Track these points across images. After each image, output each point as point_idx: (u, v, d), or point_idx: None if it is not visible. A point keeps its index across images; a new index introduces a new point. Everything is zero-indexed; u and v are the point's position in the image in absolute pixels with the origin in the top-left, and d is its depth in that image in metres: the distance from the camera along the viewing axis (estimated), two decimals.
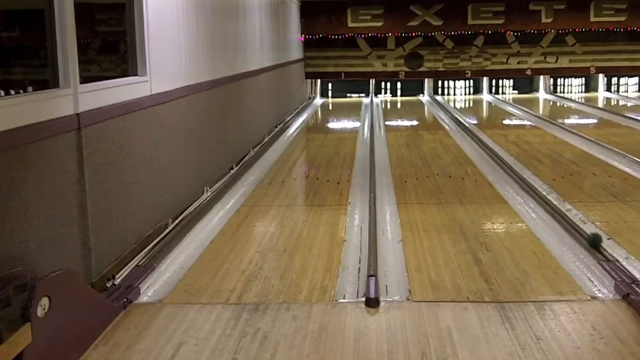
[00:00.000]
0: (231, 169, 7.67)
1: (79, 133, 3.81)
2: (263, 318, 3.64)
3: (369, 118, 12.99)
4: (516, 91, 17.72)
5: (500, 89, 17.77)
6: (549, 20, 16.24)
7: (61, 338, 3.07)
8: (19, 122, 3.25)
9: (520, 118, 13.05)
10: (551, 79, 17.66)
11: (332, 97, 17.72)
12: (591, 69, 16.76)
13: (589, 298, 3.86)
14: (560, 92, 17.67)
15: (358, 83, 17.43)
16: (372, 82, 17.50)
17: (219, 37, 7.29)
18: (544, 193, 6.34)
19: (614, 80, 17.53)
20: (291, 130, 11.65)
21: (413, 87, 17.43)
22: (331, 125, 13.71)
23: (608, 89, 17.52)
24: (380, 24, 16.39)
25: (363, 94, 17.49)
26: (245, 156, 8.49)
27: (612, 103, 15.91)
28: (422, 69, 16.87)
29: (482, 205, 6.10)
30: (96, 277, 3.97)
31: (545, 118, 12.63)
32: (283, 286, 4.14)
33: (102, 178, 4.10)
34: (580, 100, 16.03)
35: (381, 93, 17.58)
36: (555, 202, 5.95)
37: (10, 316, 2.77)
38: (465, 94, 17.60)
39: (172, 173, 5.51)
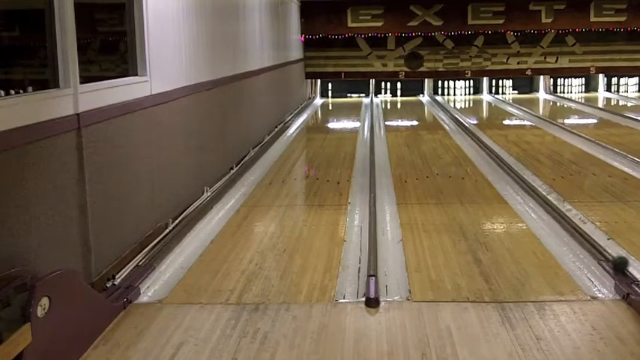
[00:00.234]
0: (232, 169, 7.67)
1: (79, 133, 3.81)
2: (263, 318, 3.64)
3: (369, 118, 12.99)
4: (516, 91, 17.72)
5: (500, 89, 17.77)
6: (549, 20, 16.25)
7: (61, 338, 3.07)
8: (19, 122, 3.25)
9: (520, 118, 13.05)
10: (551, 79, 17.66)
11: (332, 97, 17.72)
12: (591, 69, 16.76)
13: (589, 298, 3.86)
14: (560, 92, 17.67)
15: (358, 83, 17.43)
16: (372, 82, 17.50)
17: (219, 37, 7.29)
18: (544, 193, 6.34)
19: (614, 80, 17.53)
20: (291, 130, 11.65)
21: (413, 87, 17.42)
22: (331, 125, 13.71)
23: (608, 89, 17.52)
24: (380, 24, 16.39)
25: (363, 94, 17.49)
26: (245, 156, 8.50)
27: (612, 103, 15.91)
28: (422, 69, 16.87)
29: (482, 205, 6.10)
30: (96, 277, 3.97)
31: (545, 118, 12.64)
32: (283, 286, 4.14)
33: (102, 178, 4.10)
34: (580, 100, 16.03)
35: (381, 93, 17.58)
36: (555, 202, 5.95)
37: (10, 316, 2.77)
38: (465, 94, 17.60)
39: (172, 173, 5.51)
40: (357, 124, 12.48)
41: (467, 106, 16.25)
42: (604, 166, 7.83)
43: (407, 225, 5.44)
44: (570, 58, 16.73)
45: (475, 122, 12.40)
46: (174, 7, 5.69)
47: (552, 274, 4.25)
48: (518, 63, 16.79)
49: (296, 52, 15.14)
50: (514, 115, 13.62)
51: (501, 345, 3.27)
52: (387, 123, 12.53)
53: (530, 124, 12.16)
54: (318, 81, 17.56)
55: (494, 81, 17.70)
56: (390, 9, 16.31)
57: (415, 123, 13.40)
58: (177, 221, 5.45)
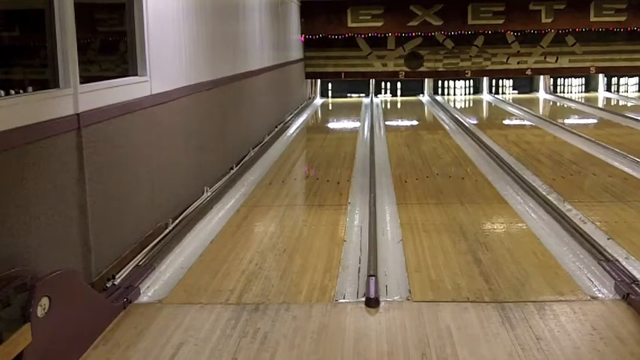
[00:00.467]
0: (231, 169, 7.67)
1: (79, 133, 3.81)
2: (263, 318, 3.64)
3: (369, 118, 12.99)
4: (516, 91, 17.72)
5: (500, 89, 17.77)
6: (549, 20, 16.25)
7: (61, 338, 3.07)
8: (19, 122, 3.25)
9: (520, 118, 13.05)
10: (551, 79, 17.66)
11: (332, 97, 17.72)
12: (591, 69, 16.76)
13: (589, 298, 3.86)
14: (560, 92, 17.68)
15: (358, 83, 17.43)
16: (372, 82, 17.50)
17: (219, 37, 7.29)
18: (544, 193, 6.34)
19: (614, 80, 17.53)
20: (291, 130, 11.65)
21: (413, 87, 17.42)
22: (331, 125, 13.71)
23: (608, 89, 17.52)
24: (380, 24, 16.39)
25: (363, 94, 17.49)
26: (245, 156, 8.50)
27: (612, 103, 15.91)
28: (422, 69, 16.87)
29: (482, 205, 6.10)
30: (96, 277, 3.97)
31: (545, 118, 12.64)
32: (283, 286, 4.14)
33: (102, 178, 4.10)
34: (580, 100, 16.03)
35: (381, 93, 17.58)
36: (555, 202, 5.95)
37: (10, 316, 2.77)
38: (465, 94, 17.60)
39: (172, 173, 5.51)
40: (357, 124, 12.48)
41: (467, 106, 16.25)
42: (604, 166, 7.83)
43: (407, 225, 5.44)
44: (570, 58, 16.73)
45: (475, 122, 12.40)
46: (174, 7, 5.69)
47: (552, 274, 4.25)
48: (518, 63, 16.79)
49: (296, 52, 15.14)
50: (514, 115, 13.62)
51: (501, 345, 3.27)
52: (387, 123, 12.53)
53: (530, 124, 12.16)
54: (318, 81, 17.56)
55: (494, 81, 17.70)
56: (390, 9, 16.31)
57: (415, 123, 13.40)
58: (177, 221, 5.45)
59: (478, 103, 16.39)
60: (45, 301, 2.89)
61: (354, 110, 14.77)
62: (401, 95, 17.49)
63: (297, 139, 10.89)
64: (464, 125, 11.46)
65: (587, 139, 9.50)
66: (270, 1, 11.25)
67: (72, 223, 3.75)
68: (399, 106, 16.36)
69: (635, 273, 4.13)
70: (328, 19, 16.36)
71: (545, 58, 16.74)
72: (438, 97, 16.85)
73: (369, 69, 16.85)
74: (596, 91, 17.52)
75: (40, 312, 2.86)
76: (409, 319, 3.58)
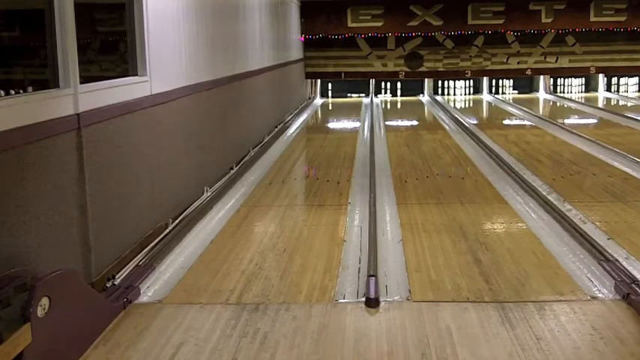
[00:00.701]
0: (231, 169, 7.67)
1: (79, 133, 3.81)
2: (263, 318, 3.64)
3: (369, 118, 12.99)
4: (516, 91, 17.73)
5: (500, 89, 17.77)
6: (549, 20, 16.25)
7: (61, 338, 3.07)
8: (19, 122, 3.25)
9: (520, 118, 13.05)
10: (551, 79, 17.66)
11: (332, 97, 17.72)
12: (591, 69, 16.76)
13: (589, 298, 3.86)
14: (560, 92, 17.68)
15: (358, 83, 17.43)
16: (372, 82, 17.50)
17: (219, 37, 7.29)
18: (544, 193, 6.34)
19: (614, 80, 17.53)
20: (291, 130, 11.65)
21: (413, 87, 17.42)
22: (331, 125, 13.71)
23: (608, 89, 17.53)
24: (380, 24, 16.39)
25: (363, 94, 17.49)
26: (245, 156, 8.50)
27: (612, 103, 15.91)
28: (422, 69, 16.87)
29: (482, 205, 6.10)
30: (96, 277, 3.97)
31: (545, 118, 12.64)
32: (283, 286, 4.14)
33: (102, 178, 4.10)
34: (580, 100, 16.03)
35: (381, 93, 17.58)
36: (555, 202, 5.95)
37: (10, 316, 2.77)
38: (465, 94, 17.60)
39: (172, 173, 5.51)
40: (357, 124, 12.48)
41: (467, 106, 16.25)
42: (604, 166, 7.83)
43: (407, 225, 5.44)
44: (570, 58, 16.73)
45: (475, 122, 12.40)
46: (174, 7, 5.69)
47: (552, 274, 4.25)
48: (518, 63, 16.79)
49: (296, 52, 15.14)
50: (514, 115, 13.62)
51: (501, 345, 3.27)
52: (387, 123, 12.53)
53: (530, 124, 12.16)
54: (318, 81, 17.56)
55: (494, 81, 17.70)
56: (390, 9, 16.31)
57: (415, 123, 13.40)
58: (177, 221, 5.45)
59: (478, 103, 16.40)
60: (45, 301, 2.89)
61: (354, 110, 14.77)
62: (401, 95, 17.49)
63: (297, 139, 10.89)
64: (464, 125, 11.46)
65: (587, 139, 9.50)
66: (270, 1, 11.25)
67: (72, 223, 3.75)
68: (399, 106, 16.36)
69: (635, 273, 4.13)
70: (328, 19, 16.35)
71: (545, 58, 16.74)
72: (438, 97, 16.85)
73: (369, 69, 16.85)
74: (596, 91, 17.53)
75: (40, 312, 2.86)
76: (409, 319, 3.58)
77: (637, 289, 3.82)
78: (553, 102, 16.32)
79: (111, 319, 3.62)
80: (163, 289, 4.14)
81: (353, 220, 5.69)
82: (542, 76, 17.44)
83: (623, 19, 16.14)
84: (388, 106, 15.95)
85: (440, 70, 16.89)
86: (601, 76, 17.36)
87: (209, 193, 6.45)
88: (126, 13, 4.82)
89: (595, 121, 12.93)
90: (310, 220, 5.72)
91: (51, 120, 3.55)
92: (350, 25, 16.41)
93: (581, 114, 14.05)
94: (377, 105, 15.38)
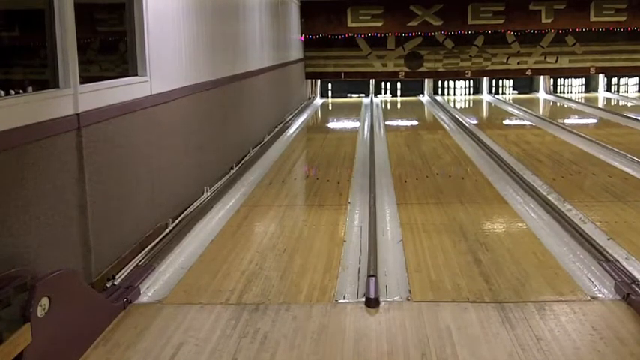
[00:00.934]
0: (231, 169, 7.67)
1: (79, 133, 3.81)
2: (263, 318, 3.64)
3: (369, 118, 12.99)
4: (516, 91, 17.73)
5: (500, 89, 17.77)
6: (549, 20, 16.25)
7: (61, 338, 3.07)
8: (19, 122, 3.25)
9: (520, 118, 13.05)
10: (551, 79, 17.66)
11: (332, 97, 17.72)
12: (591, 69, 16.76)
13: (589, 298, 3.86)
14: (560, 92, 17.68)
15: (358, 83, 17.43)
16: (372, 82, 17.50)
17: (219, 37, 7.29)
18: (544, 193, 6.34)
19: (614, 80, 17.53)
20: (291, 130, 11.65)
21: (413, 87, 17.42)
22: (331, 125, 13.71)
23: (608, 89, 17.52)
24: (380, 24, 16.39)
25: (363, 94, 17.49)
26: (245, 156, 8.50)
27: (612, 103, 15.91)
28: (422, 69, 16.87)
29: (482, 205, 6.10)
30: (96, 277, 3.98)
31: (545, 118, 12.64)
32: (283, 286, 4.14)
33: (102, 178, 4.10)
34: (580, 100, 16.03)
35: (381, 93, 17.58)
36: (555, 202, 5.95)
37: (10, 316, 2.77)
38: (465, 94, 17.60)
39: (172, 173, 5.51)
40: (357, 124, 12.48)
41: (467, 106, 16.25)
42: (604, 166, 7.83)
43: (407, 225, 5.44)
44: (570, 58, 16.73)
45: (475, 122, 12.40)
46: (174, 7, 5.69)
47: (552, 274, 4.25)
48: (518, 63, 16.79)
49: (296, 52, 15.14)
50: (514, 115, 13.62)
51: (501, 345, 3.27)
52: (387, 123, 12.53)
53: (530, 124, 12.16)
54: (318, 81, 17.56)
55: (494, 81, 17.70)
56: (390, 9, 16.31)
57: (415, 123, 13.40)
58: (177, 221, 5.45)
59: (478, 103, 16.39)
60: (45, 301, 2.89)
61: (354, 110, 14.77)
62: (401, 95, 17.49)
63: (297, 139, 10.89)
64: (464, 125, 11.46)
65: (587, 139, 9.50)
66: (270, 1, 11.25)
67: (72, 223, 3.75)
68: (399, 106, 16.36)
69: (635, 273, 4.13)
70: (328, 19, 16.35)
71: (545, 58, 16.74)
72: (438, 97, 16.85)
73: (369, 69, 16.85)
74: (596, 91, 17.52)
75: (40, 312, 2.86)
76: (409, 319, 3.58)
77: (637, 289, 3.82)
78: (553, 102, 16.31)
79: (111, 319, 3.62)
80: (163, 289, 4.14)
81: (353, 220, 5.69)
82: (542, 76, 17.44)
83: (623, 19, 16.14)
84: (388, 106, 15.95)
85: (440, 70, 16.89)
86: (601, 76, 17.36)
87: (209, 193, 6.45)
88: (126, 13, 4.82)
89: (595, 121, 12.93)
90: (310, 220, 5.72)
91: (51, 120, 3.55)
92: (350, 25, 16.41)
93: (581, 114, 14.05)
94: (377, 105, 15.38)
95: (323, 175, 7.70)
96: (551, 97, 17.12)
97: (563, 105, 15.57)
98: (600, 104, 15.45)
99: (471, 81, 17.60)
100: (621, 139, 9.64)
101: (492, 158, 8.23)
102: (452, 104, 15.79)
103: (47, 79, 3.72)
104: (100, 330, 3.47)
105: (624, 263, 4.32)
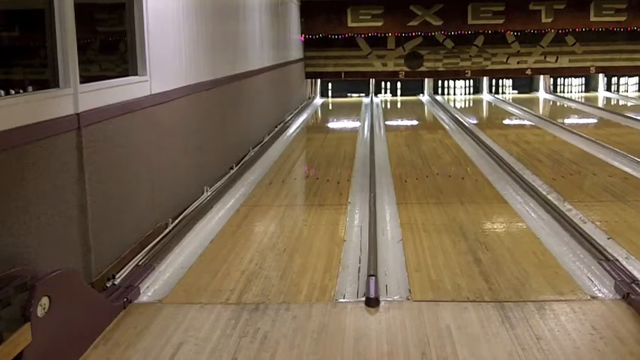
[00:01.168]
0: (231, 168, 7.67)
1: (79, 133, 3.81)
2: (263, 318, 3.64)
3: (369, 117, 12.99)
4: (516, 91, 17.73)
5: (500, 89, 17.77)
6: (549, 20, 16.24)
7: (61, 338, 3.07)
8: (19, 122, 3.25)
9: (520, 118, 13.05)
10: (551, 79, 17.66)
11: (332, 96, 17.72)
12: (591, 69, 16.76)
13: (589, 298, 3.86)
14: (560, 92, 17.68)
15: (358, 83, 17.43)
16: (372, 81, 17.50)
17: (219, 36, 7.29)
18: (544, 192, 6.34)
19: (614, 80, 17.54)
20: (291, 129, 11.65)
21: (413, 87, 17.42)
22: (331, 125, 13.71)
23: (608, 89, 17.53)
24: (380, 24, 16.39)
25: (363, 94, 17.49)
26: (245, 156, 8.50)
27: (612, 103, 15.91)
28: (422, 69, 16.87)
29: (482, 205, 6.10)
30: (96, 277, 3.98)
31: (545, 118, 12.64)
32: (283, 285, 4.14)
33: (102, 178, 4.10)
34: (580, 100, 16.03)
35: (381, 93, 17.59)
36: (555, 202, 5.95)
37: (10, 316, 2.77)
38: (465, 93, 17.60)
39: (172, 173, 5.51)
40: (357, 124, 12.48)
41: (467, 105, 16.25)
42: (604, 165, 7.83)
43: (407, 225, 5.44)
44: (570, 58, 16.73)
45: (475, 122, 12.40)
46: (174, 7, 5.69)
47: (552, 273, 4.25)
48: (518, 63, 16.79)
49: (296, 51, 15.14)
50: (514, 115, 13.62)
51: (501, 345, 3.27)
52: (387, 123, 12.53)
53: (530, 123, 12.16)
54: (318, 81, 17.56)
55: (494, 81, 17.71)
56: (390, 9, 16.31)
57: (415, 123, 13.40)
58: (177, 221, 5.45)
59: (478, 103, 16.40)
60: (45, 300, 2.89)
61: (354, 110, 14.77)
62: (401, 95, 17.49)
63: (297, 138, 10.89)
64: (464, 125, 11.46)
65: (587, 138, 9.50)
66: (270, 1, 11.25)
67: (72, 223, 3.75)
68: (399, 105, 16.36)
69: (635, 273, 4.13)
70: (328, 19, 16.35)
71: (545, 57, 16.74)
72: (438, 97, 16.85)
73: (369, 69, 16.85)
74: (596, 91, 17.52)
75: (40, 312, 2.86)
76: (409, 319, 3.58)
77: (637, 288, 3.82)
78: (553, 102, 16.32)
79: (111, 318, 3.62)
80: (163, 289, 4.14)
81: (353, 219, 5.69)
82: (542, 76, 17.44)
83: (623, 19, 16.13)
84: (388, 106, 15.95)
85: (440, 69, 16.89)
86: (601, 75, 17.36)
87: (209, 193, 6.45)
88: (126, 13, 4.82)
89: (595, 120, 12.93)
90: (310, 220, 5.72)
91: (51, 120, 3.55)
92: (350, 25, 16.41)
93: (581, 114, 14.05)
94: (377, 105, 15.38)
95: (323, 175, 7.70)
96: (551, 96, 17.12)
97: (563, 105, 15.57)
98: (600, 104, 15.45)
99: (471, 81, 17.60)
100: (621, 138, 9.64)
101: (492, 158, 8.23)
102: (452, 104, 15.79)
103: (47, 79, 3.72)
104: (100, 330, 3.47)
105: (624, 263, 4.32)
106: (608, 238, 4.90)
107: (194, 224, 5.46)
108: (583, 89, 17.77)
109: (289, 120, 12.57)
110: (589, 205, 5.93)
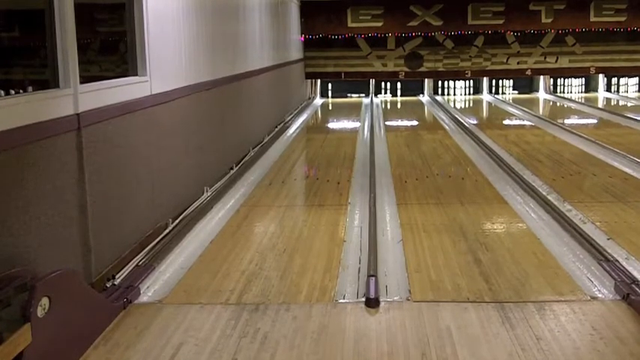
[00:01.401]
0: (231, 169, 7.67)
1: (79, 133, 3.81)
2: (263, 318, 3.64)
3: (368, 118, 12.99)
4: (516, 91, 17.73)
5: (500, 89, 17.77)
6: (549, 20, 16.25)
7: (61, 338, 3.07)
8: (19, 122, 3.25)
9: (520, 118, 13.05)
10: (551, 79, 17.67)
11: (332, 97, 17.72)
12: (591, 69, 16.76)
13: (589, 298, 3.86)
14: (560, 92, 17.68)
15: (358, 83, 17.43)
16: (372, 82, 17.50)
17: (219, 37, 7.29)
18: (544, 193, 6.34)
19: (614, 80, 17.53)
20: (291, 130, 11.65)
21: (413, 87, 17.42)
22: (331, 125, 13.71)
23: (608, 89, 17.53)
24: (380, 24, 16.39)
25: (363, 94, 17.49)
26: (245, 156, 8.50)
27: (612, 103, 15.92)
28: (422, 69, 16.87)
29: (482, 205, 6.10)
30: (96, 277, 3.98)
31: (545, 118, 12.64)
32: (283, 286, 4.14)
33: (102, 178, 4.10)
34: (580, 100, 16.04)
35: (381, 93, 17.59)
36: (555, 202, 5.95)
37: (10, 316, 2.77)
38: (465, 94, 17.60)
39: (172, 173, 5.51)
40: (357, 124, 12.48)
41: (467, 106, 16.25)
42: (604, 166, 7.83)
43: (407, 225, 5.44)
44: (570, 58, 16.73)
45: (475, 122, 12.40)
46: (174, 7, 5.69)
47: (552, 274, 4.25)
48: (518, 63, 16.79)
49: (296, 52, 15.14)
50: (514, 115, 13.63)
51: (501, 345, 3.27)
52: (387, 123, 12.54)
53: (530, 124, 12.16)
54: (318, 81, 17.56)
55: (494, 81, 17.71)
56: (390, 9, 16.31)
57: (415, 123, 13.40)
58: (177, 221, 5.45)
59: (478, 103, 16.40)
60: (45, 301, 2.89)
61: (354, 110, 14.77)
62: (401, 95, 17.49)
63: (297, 139, 10.89)
64: (464, 125, 11.46)
65: (587, 139, 9.50)
66: (270, 1, 11.25)
67: (72, 223, 3.75)
68: (399, 106, 16.37)
69: (635, 273, 4.13)
70: (328, 19, 16.35)
71: (545, 58, 16.74)
72: (438, 97, 16.85)
73: (369, 69, 16.85)
74: (596, 91, 17.53)
75: (40, 312, 2.86)
76: (409, 319, 3.58)
77: (637, 289, 3.82)
78: (553, 102, 16.32)
79: (111, 319, 3.62)
80: (163, 289, 4.14)
81: (353, 220, 5.69)
82: (542, 77, 17.44)
83: (623, 19, 16.13)
84: (388, 106, 15.95)
85: (440, 70, 16.89)
86: (601, 76, 17.36)
87: (209, 193, 6.45)
88: (126, 13, 4.82)
89: (595, 121, 12.93)
90: (310, 220, 5.72)
91: (51, 120, 3.55)
92: (350, 25, 16.41)
93: (581, 114, 14.05)
94: (377, 105, 15.38)
95: (323, 175, 7.70)
96: (551, 97, 17.12)
97: (563, 105, 15.57)
98: (600, 104, 15.46)
99: (471, 81, 17.60)
100: (621, 139, 9.64)
101: (492, 158, 8.23)
102: (452, 104, 15.79)
103: (47, 79, 3.72)
104: (100, 330, 3.47)
105: (624, 263, 4.32)
106: (608, 239, 4.90)
107: (194, 224, 5.46)
108: (583, 90, 17.78)
109: (289, 120, 12.57)
110: (589, 205, 5.93)
